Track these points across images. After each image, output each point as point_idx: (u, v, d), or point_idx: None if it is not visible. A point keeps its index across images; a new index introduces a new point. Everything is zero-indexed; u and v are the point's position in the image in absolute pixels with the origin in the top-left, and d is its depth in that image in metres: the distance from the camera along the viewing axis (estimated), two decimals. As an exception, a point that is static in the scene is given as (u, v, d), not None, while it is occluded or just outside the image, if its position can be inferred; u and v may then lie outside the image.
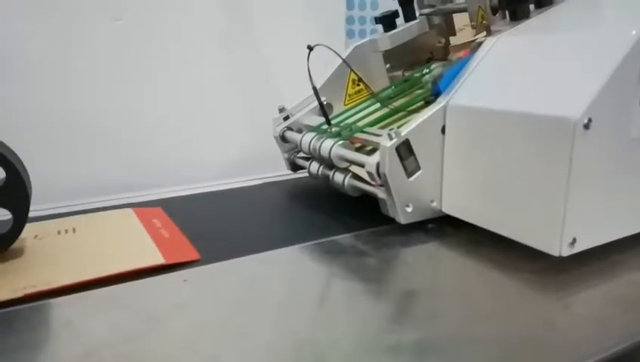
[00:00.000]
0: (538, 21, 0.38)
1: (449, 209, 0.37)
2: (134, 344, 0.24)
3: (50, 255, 0.34)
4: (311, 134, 0.44)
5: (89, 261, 0.33)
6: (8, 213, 0.32)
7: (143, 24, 0.57)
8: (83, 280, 0.30)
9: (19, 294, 0.28)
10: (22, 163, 0.34)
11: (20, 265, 0.32)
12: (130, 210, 0.43)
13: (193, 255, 0.34)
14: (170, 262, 0.33)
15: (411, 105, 0.40)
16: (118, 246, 0.36)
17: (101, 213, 0.44)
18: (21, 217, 0.33)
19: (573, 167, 0.28)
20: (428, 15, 0.50)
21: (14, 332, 0.25)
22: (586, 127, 0.27)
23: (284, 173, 0.54)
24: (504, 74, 0.35)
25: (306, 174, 0.47)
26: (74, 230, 0.39)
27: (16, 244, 0.34)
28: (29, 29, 0.51)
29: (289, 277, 0.32)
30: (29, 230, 0.36)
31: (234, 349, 0.24)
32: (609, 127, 0.29)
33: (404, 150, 0.35)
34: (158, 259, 0.33)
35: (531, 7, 0.40)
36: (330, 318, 0.27)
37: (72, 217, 0.42)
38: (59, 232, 0.38)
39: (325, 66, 0.48)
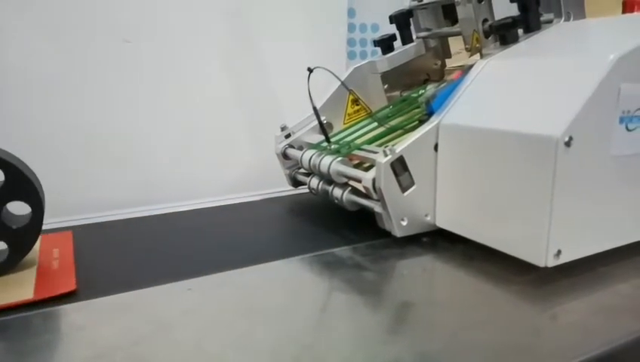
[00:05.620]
0: (526, 45, 0.40)
1: (442, 223, 0.39)
2: (143, 346, 0.25)
3: None
4: (311, 151, 0.45)
5: None
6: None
7: (152, 46, 0.59)
8: None
9: None
10: (25, 164, 0.33)
11: None
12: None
13: (67, 287, 0.32)
14: (38, 298, 0.31)
15: (407, 124, 0.42)
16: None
17: None
18: (38, 213, 0.33)
19: (557, 182, 0.29)
20: (424, 38, 0.52)
21: (32, 335, 0.27)
22: (567, 144, 0.29)
23: (284, 189, 0.56)
24: (493, 94, 0.36)
25: (306, 190, 0.48)
26: None
27: None
28: (43, 50, 0.53)
29: (288, 287, 0.33)
30: None
31: (233, 353, 0.25)
32: (590, 145, 0.30)
33: (399, 166, 0.37)
34: (27, 295, 0.31)
35: (520, 32, 0.41)
36: (329, 327, 0.28)
37: None
38: None
39: (326, 86, 0.50)
